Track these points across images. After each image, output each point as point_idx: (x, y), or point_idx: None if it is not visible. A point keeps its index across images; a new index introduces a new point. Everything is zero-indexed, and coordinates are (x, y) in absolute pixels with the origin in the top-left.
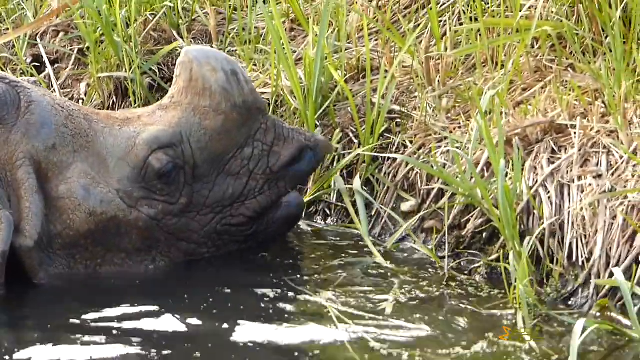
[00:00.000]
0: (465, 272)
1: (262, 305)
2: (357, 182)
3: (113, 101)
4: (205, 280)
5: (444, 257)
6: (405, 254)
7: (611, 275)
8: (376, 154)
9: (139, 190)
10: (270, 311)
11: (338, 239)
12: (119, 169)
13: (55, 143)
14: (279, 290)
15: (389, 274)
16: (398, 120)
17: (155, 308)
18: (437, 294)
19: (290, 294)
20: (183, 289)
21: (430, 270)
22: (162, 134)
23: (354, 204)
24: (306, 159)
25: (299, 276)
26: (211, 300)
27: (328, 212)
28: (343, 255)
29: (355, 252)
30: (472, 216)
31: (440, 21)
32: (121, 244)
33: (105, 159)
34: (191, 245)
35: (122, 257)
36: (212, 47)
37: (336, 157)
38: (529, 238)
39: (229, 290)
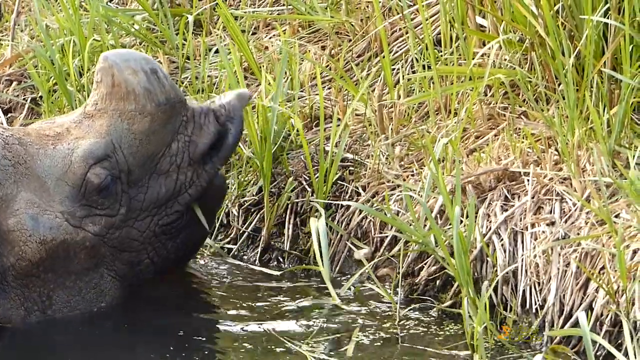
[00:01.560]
0: (419, 319)
1: (219, 348)
2: (322, 224)
3: None
4: (159, 329)
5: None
6: (358, 302)
7: (565, 322)
8: (329, 202)
9: (80, 208)
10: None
11: (289, 284)
12: (59, 190)
13: None
14: (239, 334)
15: (346, 317)
16: (351, 168)
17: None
18: (391, 340)
19: (250, 337)
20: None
21: (383, 317)
22: (95, 147)
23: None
24: (228, 136)
25: (259, 319)
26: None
27: (282, 259)
28: (299, 298)
29: (311, 296)
30: (425, 264)
31: (393, 69)
32: (70, 267)
33: (45, 182)
34: (132, 254)
35: (72, 280)
36: None
37: (289, 205)
38: (485, 284)
39: (184, 342)
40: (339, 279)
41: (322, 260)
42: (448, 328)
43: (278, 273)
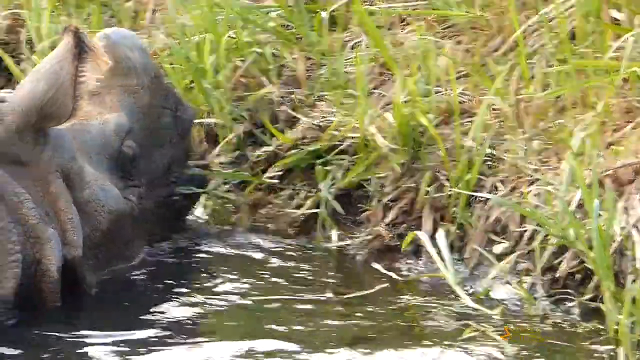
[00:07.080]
0: (560, 312)
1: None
2: (440, 235)
3: (205, 149)
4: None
5: (537, 299)
6: (496, 299)
7: None
8: (471, 193)
9: (120, 180)
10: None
11: (427, 285)
12: (101, 164)
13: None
14: (363, 343)
15: (481, 317)
16: (489, 163)
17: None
18: (534, 333)
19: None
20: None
21: (523, 312)
22: (122, 121)
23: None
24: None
25: (388, 326)
26: None
27: (419, 253)
28: (432, 301)
29: (444, 297)
30: (565, 258)
31: (529, 63)
32: (125, 235)
33: (90, 156)
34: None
35: (129, 248)
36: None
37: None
38: (631, 279)
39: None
40: (476, 273)
41: (444, 264)
42: (590, 322)
43: (400, 278)
